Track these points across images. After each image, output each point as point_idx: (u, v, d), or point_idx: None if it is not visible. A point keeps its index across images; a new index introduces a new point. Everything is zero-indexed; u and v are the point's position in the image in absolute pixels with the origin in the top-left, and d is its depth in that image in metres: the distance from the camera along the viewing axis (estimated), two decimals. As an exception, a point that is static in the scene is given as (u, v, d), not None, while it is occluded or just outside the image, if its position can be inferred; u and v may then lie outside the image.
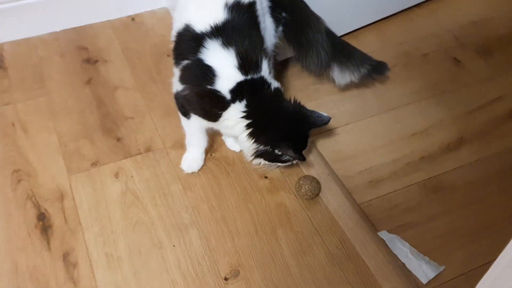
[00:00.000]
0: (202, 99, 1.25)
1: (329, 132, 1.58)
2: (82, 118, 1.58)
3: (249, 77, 1.22)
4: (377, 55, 1.84)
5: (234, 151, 1.50)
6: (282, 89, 1.30)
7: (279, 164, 1.33)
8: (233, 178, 1.44)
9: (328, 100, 1.69)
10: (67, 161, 1.46)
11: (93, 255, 1.26)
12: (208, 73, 1.21)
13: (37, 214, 1.34)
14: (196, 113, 1.31)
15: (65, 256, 1.26)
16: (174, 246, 1.28)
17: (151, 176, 1.43)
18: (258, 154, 1.28)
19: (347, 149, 1.55)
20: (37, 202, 1.36)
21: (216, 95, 1.22)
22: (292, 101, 1.28)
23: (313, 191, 1.35)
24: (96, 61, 1.77)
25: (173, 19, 1.37)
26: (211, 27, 1.22)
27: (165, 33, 1.90)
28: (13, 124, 1.55)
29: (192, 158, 1.44)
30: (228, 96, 1.21)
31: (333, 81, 1.58)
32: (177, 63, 1.30)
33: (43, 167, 1.44)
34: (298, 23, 1.50)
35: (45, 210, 1.35)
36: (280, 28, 1.48)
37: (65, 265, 1.24)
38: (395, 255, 1.28)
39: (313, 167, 1.47)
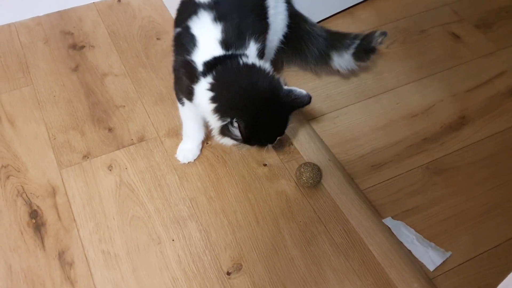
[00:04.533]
0: (179, 71, 1.22)
1: (328, 115, 1.54)
2: (71, 108, 1.51)
3: (229, 52, 1.16)
4: (374, 33, 1.79)
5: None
6: (271, 70, 1.19)
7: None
8: (231, 167, 1.40)
9: (325, 81, 1.63)
10: (57, 154, 1.40)
11: (89, 253, 1.21)
12: (190, 43, 1.17)
13: (29, 212, 1.28)
14: (179, 92, 1.26)
15: (61, 255, 1.21)
16: (173, 240, 1.24)
17: (145, 167, 1.38)
18: (222, 132, 1.18)
19: (347, 132, 1.50)
20: (28, 198, 1.31)
21: (191, 66, 1.17)
22: (270, 79, 1.16)
23: (314, 179, 1.31)
24: (83, 46, 1.69)
25: None
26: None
27: (152, 14, 1.82)
28: (-1, 117, 1.48)
29: (188, 149, 1.39)
30: (200, 68, 1.16)
31: (334, 67, 1.53)
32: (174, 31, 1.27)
33: (33, 162, 1.38)
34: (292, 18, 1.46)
35: (37, 207, 1.29)
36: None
37: (61, 265, 1.19)
38: (401, 242, 1.25)
39: (313, 153, 1.42)
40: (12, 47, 1.68)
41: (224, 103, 1.15)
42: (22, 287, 1.16)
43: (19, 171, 1.36)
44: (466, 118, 1.55)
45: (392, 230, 1.27)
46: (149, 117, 1.50)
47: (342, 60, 1.50)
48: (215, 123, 1.18)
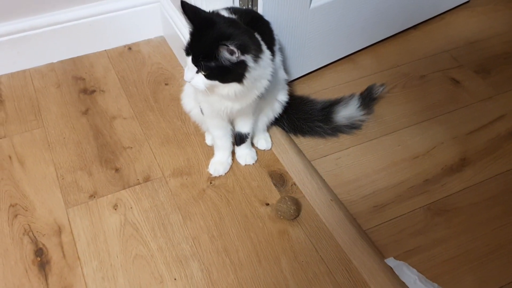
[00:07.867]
0: None
1: (330, 156, 1.56)
2: (79, 149, 1.56)
3: None
4: (375, 78, 1.84)
5: (233, 178, 1.48)
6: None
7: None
8: (234, 206, 1.42)
9: (328, 124, 1.67)
10: (64, 193, 1.43)
11: (92, 291, 1.22)
12: None
13: (34, 250, 1.30)
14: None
15: (63, 293, 1.22)
16: (175, 279, 1.24)
17: (150, 206, 1.41)
18: None
19: (349, 173, 1.52)
20: (35, 237, 1.33)
21: None
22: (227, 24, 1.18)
23: (287, 212, 1.35)
24: (93, 91, 1.76)
25: None
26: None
27: (161, 61, 1.89)
28: (10, 157, 1.53)
29: (218, 162, 1.49)
30: None
31: (340, 122, 1.62)
32: None
33: (41, 201, 1.41)
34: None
35: (43, 245, 1.31)
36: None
37: (63, 303, 1.20)
38: (403, 282, 1.24)
39: (315, 193, 1.44)
40: (26, 91, 1.75)
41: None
42: (24, 324, 1.16)
43: (26, 210, 1.39)
44: (467, 160, 1.56)
45: (395, 270, 1.27)
46: (155, 157, 1.54)
47: (348, 110, 1.60)
48: None
